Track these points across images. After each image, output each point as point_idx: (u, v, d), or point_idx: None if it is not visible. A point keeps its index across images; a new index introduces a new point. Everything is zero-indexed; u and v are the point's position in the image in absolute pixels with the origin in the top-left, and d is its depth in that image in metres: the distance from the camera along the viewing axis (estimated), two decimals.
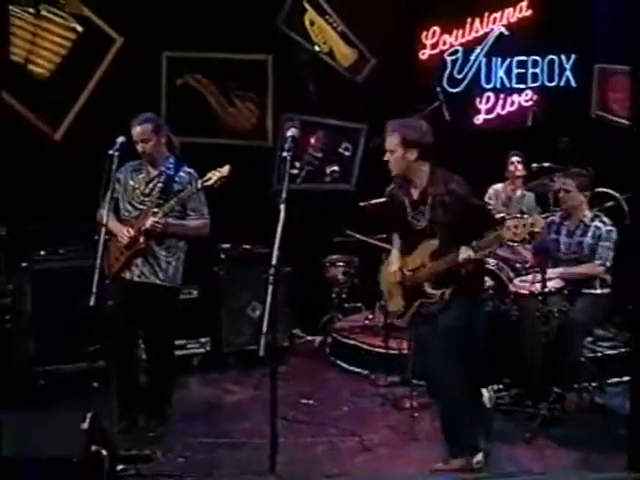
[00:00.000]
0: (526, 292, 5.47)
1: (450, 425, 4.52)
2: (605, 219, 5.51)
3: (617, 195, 6.09)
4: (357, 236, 6.85)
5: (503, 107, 8.23)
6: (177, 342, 5.82)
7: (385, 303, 5.00)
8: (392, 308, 4.77)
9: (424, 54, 8.08)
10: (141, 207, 4.97)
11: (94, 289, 4.37)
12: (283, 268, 5.98)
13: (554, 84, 8.22)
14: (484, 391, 5.29)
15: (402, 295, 4.57)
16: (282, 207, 3.90)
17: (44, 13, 6.93)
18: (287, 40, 7.76)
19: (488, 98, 8.21)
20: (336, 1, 7.85)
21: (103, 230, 4.61)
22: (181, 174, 4.98)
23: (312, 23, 7.85)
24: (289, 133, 4.16)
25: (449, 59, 8.11)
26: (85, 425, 3.92)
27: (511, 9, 8.13)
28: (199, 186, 4.82)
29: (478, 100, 8.21)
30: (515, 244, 4.89)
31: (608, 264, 5.40)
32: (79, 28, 7.04)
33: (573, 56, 8.15)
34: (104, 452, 3.99)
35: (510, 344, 5.45)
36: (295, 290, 6.78)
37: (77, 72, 7.03)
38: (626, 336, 6.07)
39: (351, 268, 7.28)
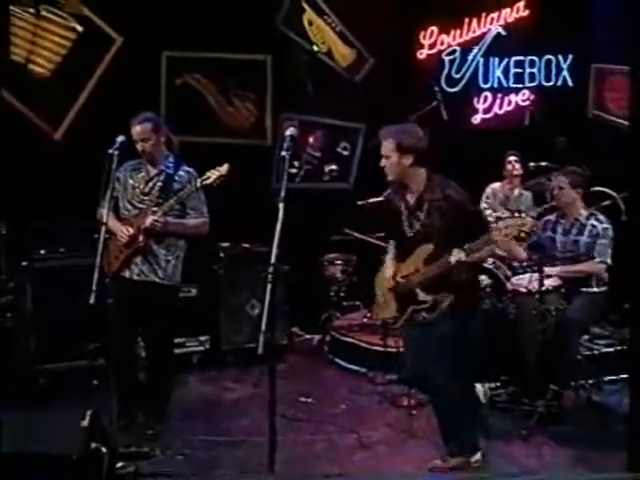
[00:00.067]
0: (523, 290, 5.48)
1: (449, 425, 4.51)
2: (601, 217, 5.49)
3: (614, 194, 6.11)
4: (355, 234, 6.86)
5: (500, 107, 8.26)
6: (176, 340, 5.82)
7: (376, 308, 4.87)
8: (386, 314, 4.69)
9: (422, 54, 8.09)
10: (141, 206, 4.98)
11: (94, 287, 4.38)
12: (282, 266, 6.00)
13: (551, 84, 8.27)
14: (478, 385, 5.29)
15: (395, 301, 4.54)
16: (281, 206, 3.90)
17: (44, 13, 6.92)
18: (286, 40, 7.76)
19: (486, 98, 8.24)
20: (334, 1, 7.86)
21: (103, 229, 4.61)
22: (180, 173, 5.00)
23: (310, 23, 7.86)
24: (288, 132, 4.17)
25: (447, 59, 8.13)
26: (85, 423, 3.94)
27: (508, 9, 8.17)
28: (198, 185, 4.84)
29: (476, 100, 8.24)
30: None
31: (608, 261, 5.39)
32: (79, 28, 7.03)
33: (570, 56, 8.20)
34: (104, 449, 3.99)
35: (507, 342, 5.46)
36: (294, 288, 6.77)
37: (77, 72, 7.02)
38: (622, 334, 6.12)
39: (349, 266, 7.28)
